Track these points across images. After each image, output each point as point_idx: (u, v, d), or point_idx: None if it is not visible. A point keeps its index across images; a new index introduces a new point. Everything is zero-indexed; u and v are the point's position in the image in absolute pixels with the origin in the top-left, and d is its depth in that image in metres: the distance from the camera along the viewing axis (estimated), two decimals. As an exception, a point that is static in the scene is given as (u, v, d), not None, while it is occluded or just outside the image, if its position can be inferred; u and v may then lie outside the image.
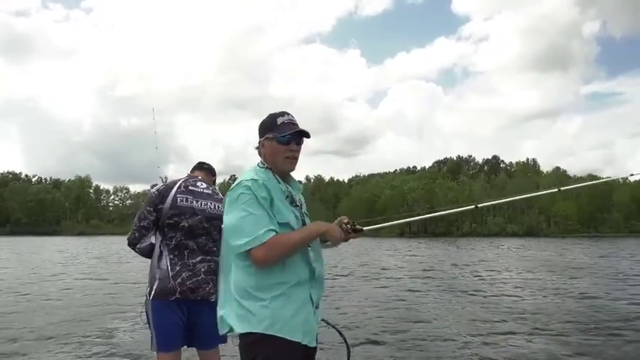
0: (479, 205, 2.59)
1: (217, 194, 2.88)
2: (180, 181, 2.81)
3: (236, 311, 1.78)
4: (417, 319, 7.01)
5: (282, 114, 1.94)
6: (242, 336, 1.78)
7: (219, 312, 1.87)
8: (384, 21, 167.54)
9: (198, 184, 2.84)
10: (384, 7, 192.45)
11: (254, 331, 1.73)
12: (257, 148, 1.98)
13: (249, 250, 1.73)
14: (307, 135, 1.94)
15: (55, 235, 74.23)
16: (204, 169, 3.05)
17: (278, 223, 1.79)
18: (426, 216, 2.93)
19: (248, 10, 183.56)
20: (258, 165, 1.95)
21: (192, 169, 3.07)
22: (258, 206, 1.76)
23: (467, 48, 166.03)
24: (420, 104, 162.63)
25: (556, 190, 2.82)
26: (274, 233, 1.74)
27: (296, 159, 1.94)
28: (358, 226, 1.96)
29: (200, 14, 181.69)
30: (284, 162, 1.92)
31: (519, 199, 3.02)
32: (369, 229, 2.09)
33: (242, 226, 1.75)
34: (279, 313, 1.74)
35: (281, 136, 1.89)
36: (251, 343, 1.74)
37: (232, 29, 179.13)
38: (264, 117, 1.97)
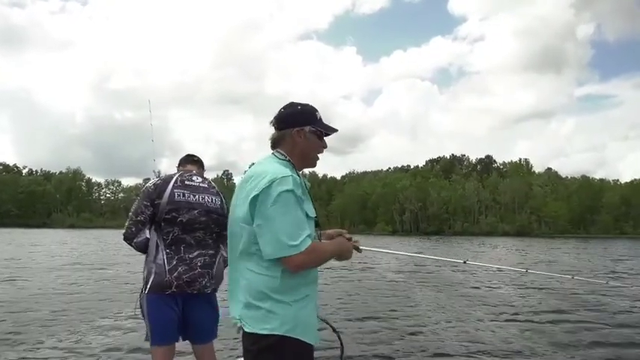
0: (467, 262, 2.80)
1: (213, 187, 2.89)
2: (176, 176, 2.79)
3: (251, 313, 1.68)
4: (405, 313, 7.11)
5: (317, 109, 1.85)
6: (256, 337, 1.66)
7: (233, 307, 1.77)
8: (381, 19, 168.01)
9: (194, 178, 2.84)
10: (381, 5, 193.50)
11: (274, 333, 1.64)
12: (277, 137, 1.82)
13: (288, 255, 1.61)
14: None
15: (46, 228, 73.47)
16: (195, 162, 3.03)
17: (308, 216, 1.70)
18: (415, 255, 3.09)
19: (244, 5, 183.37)
20: (276, 156, 1.80)
21: (181, 162, 3.04)
22: (297, 207, 1.65)
23: (463, 48, 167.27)
24: (415, 103, 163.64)
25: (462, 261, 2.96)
26: (311, 240, 1.66)
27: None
28: (355, 244, 1.98)
29: (196, 9, 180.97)
30: (314, 158, 1.87)
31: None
32: (365, 250, 2.14)
33: (284, 229, 1.61)
34: (300, 314, 1.68)
35: (325, 132, 1.83)
36: (268, 346, 1.64)
37: (228, 25, 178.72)
38: (295, 106, 1.83)
